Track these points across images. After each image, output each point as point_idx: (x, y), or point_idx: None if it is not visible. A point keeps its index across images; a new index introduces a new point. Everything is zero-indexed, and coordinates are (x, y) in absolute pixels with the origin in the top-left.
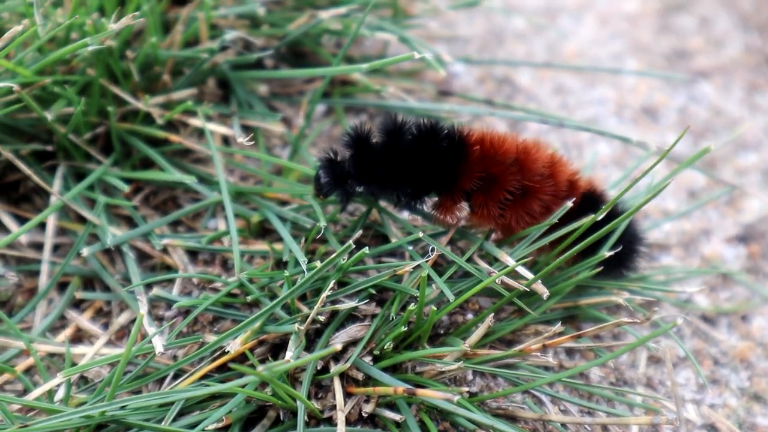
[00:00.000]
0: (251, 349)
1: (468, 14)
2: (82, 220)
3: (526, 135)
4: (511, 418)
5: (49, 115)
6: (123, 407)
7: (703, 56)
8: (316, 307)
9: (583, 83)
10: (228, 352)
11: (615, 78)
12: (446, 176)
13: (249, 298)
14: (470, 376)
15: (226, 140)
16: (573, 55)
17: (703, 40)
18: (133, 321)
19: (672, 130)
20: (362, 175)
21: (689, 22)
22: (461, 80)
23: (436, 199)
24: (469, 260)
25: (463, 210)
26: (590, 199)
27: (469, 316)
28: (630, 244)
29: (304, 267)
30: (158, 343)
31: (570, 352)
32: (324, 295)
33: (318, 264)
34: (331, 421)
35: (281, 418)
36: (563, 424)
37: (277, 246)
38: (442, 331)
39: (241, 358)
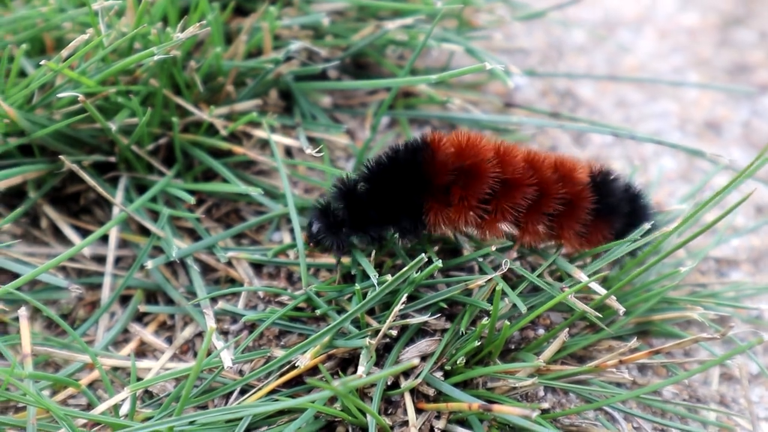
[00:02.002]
0: (323, 362)
1: (527, 27)
2: (143, 232)
3: (589, 148)
4: None
5: (112, 126)
6: (191, 422)
7: (764, 70)
8: (388, 321)
9: (645, 97)
10: (297, 366)
11: (677, 92)
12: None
13: (318, 312)
14: (542, 393)
15: (288, 152)
16: (633, 68)
17: (764, 54)
18: (197, 335)
19: (736, 144)
20: (356, 221)
21: (749, 36)
22: (523, 93)
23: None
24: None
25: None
26: (598, 183)
27: (540, 331)
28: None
29: (374, 281)
30: (226, 358)
31: (642, 369)
32: (396, 309)
33: (389, 278)
34: None
35: None
36: None
37: (344, 259)
38: (512, 347)
39: (309, 372)
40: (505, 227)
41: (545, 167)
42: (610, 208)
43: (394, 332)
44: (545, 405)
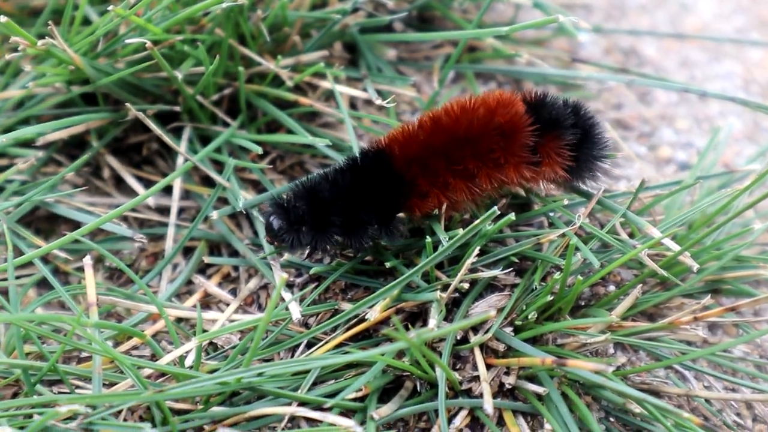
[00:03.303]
0: (389, 317)
1: None
2: (206, 183)
3: (655, 107)
4: (655, 393)
5: (179, 74)
6: (260, 374)
7: None
8: (460, 274)
9: (709, 57)
10: (366, 319)
11: (740, 53)
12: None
13: (387, 265)
14: (611, 350)
15: (353, 105)
16: (695, 28)
17: None
18: (262, 287)
19: None
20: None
21: None
22: (588, 50)
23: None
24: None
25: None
26: (535, 105)
27: (611, 288)
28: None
29: (443, 237)
30: (295, 309)
31: (712, 327)
32: (469, 261)
33: (460, 231)
34: (469, 393)
35: (418, 389)
36: (707, 400)
37: None
38: (582, 303)
39: (376, 327)
40: (475, 189)
41: (477, 111)
42: (551, 123)
43: (466, 285)
44: (625, 358)
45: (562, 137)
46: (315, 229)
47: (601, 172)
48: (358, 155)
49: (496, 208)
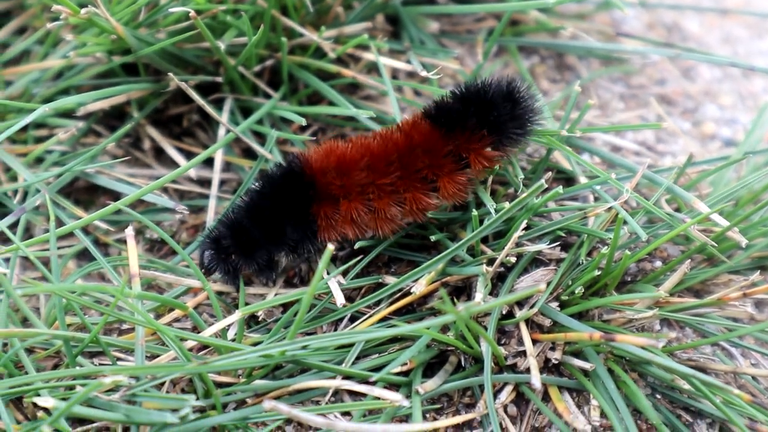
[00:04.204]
0: (434, 291)
1: None
2: (247, 155)
3: (698, 82)
4: (701, 370)
5: (221, 45)
6: (304, 347)
7: None
8: (507, 247)
9: (752, 33)
10: (411, 293)
11: None
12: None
13: (433, 239)
14: (657, 326)
15: (395, 77)
16: (738, 4)
17: None
18: (304, 260)
19: None
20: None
21: None
22: (630, 25)
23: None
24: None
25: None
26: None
27: (658, 263)
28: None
29: (491, 208)
30: (339, 295)
31: (759, 305)
32: (516, 235)
33: (507, 204)
34: (514, 368)
35: (462, 364)
36: (755, 378)
37: None
38: (629, 279)
39: (419, 301)
40: (395, 209)
41: (394, 136)
42: (458, 120)
43: (513, 259)
44: (672, 334)
45: (472, 126)
46: (243, 255)
47: (528, 120)
48: (270, 171)
49: (543, 180)
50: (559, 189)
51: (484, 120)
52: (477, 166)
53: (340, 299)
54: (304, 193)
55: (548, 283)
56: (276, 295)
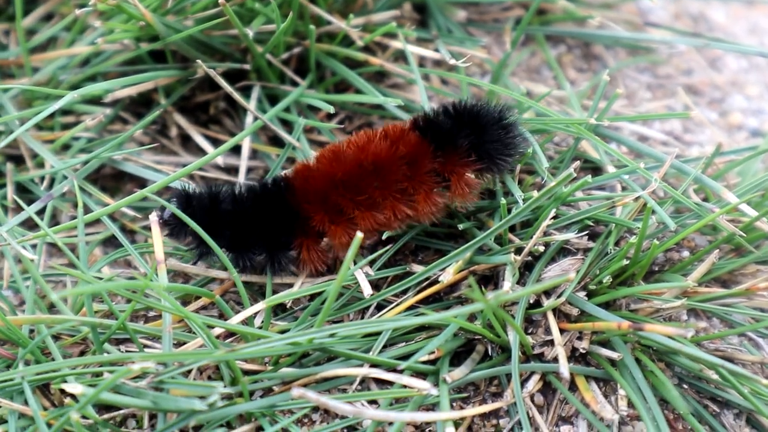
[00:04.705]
0: (462, 280)
1: None
2: (274, 142)
3: (725, 73)
4: (729, 360)
5: (249, 32)
6: (332, 335)
7: None
8: (535, 236)
9: None
10: (438, 281)
11: None
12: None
13: (461, 227)
14: (684, 316)
15: (422, 66)
16: None
17: None
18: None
19: None
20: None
21: None
22: (657, 15)
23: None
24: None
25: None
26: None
27: (685, 253)
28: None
29: (519, 198)
30: (366, 287)
31: None
32: (544, 223)
33: (535, 193)
34: (541, 358)
35: (489, 353)
36: None
37: None
38: (656, 269)
39: (447, 289)
40: (381, 217)
41: (381, 143)
42: (447, 139)
43: (542, 248)
44: (702, 324)
45: (462, 147)
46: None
47: (517, 150)
48: (260, 184)
49: (572, 169)
50: (588, 178)
51: (476, 143)
52: (457, 190)
53: (367, 290)
54: (288, 224)
55: (576, 273)
56: (302, 284)
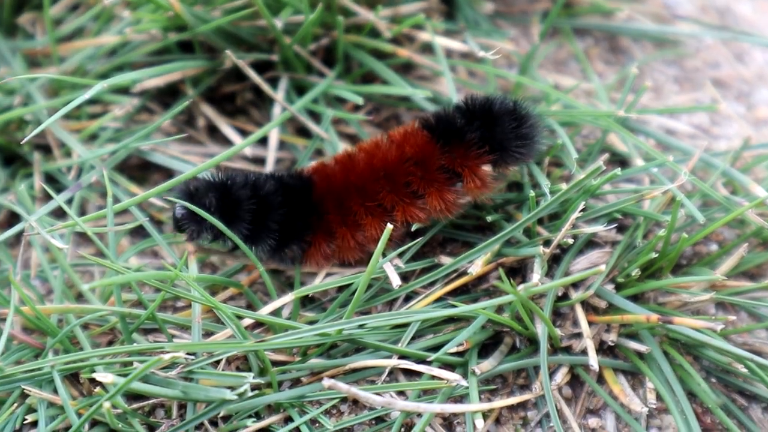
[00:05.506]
0: (490, 272)
1: None
2: (300, 133)
3: (752, 66)
4: (757, 354)
5: (278, 23)
6: (361, 326)
7: None
8: (564, 229)
9: None
10: (467, 273)
11: None
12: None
13: (489, 219)
14: (712, 310)
15: (449, 58)
16: None
17: None
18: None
19: None
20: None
21: None
22: (683, 9)
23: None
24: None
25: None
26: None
27: (713, 247)
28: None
29: (546, 189)
30: (395, 278)
31: None
32: (573, 216)
33: (564, 186)
34: (569, 350)
35: (517, 345)
36: None
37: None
38: (684, 262)
39: (474, 281)
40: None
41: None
42: (456, 135)
43: (571, 241)
44: (732, 317)
45: (472, 140)
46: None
47: (534, 140)
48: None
49: (601, 162)
50: (618, 170)
51: (486, 135)
52: (470, 183)
53: (396, 281)
54: (306, 217)
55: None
56: (327, 274)
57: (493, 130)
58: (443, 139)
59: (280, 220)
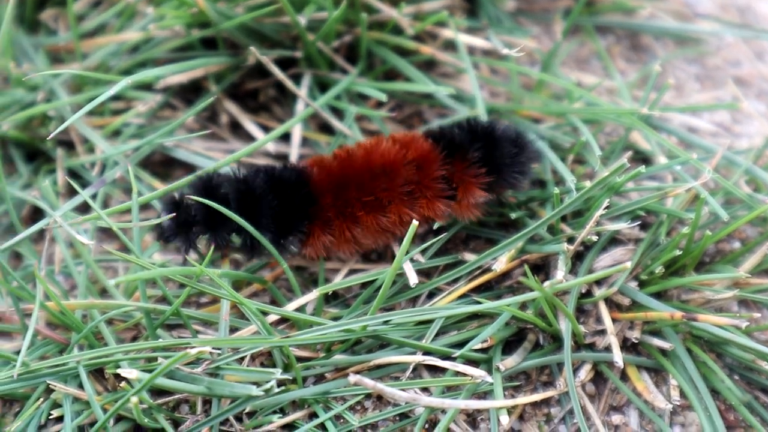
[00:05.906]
0: (513, 269)
1: None
2: (323, 130)
3: None
4: None
5: (302, 20)
6: (385, 322)
7: None
8: (588, 226)
9: None
10: (491, 270)
11: None
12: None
13: (513, 216)
14: (735, 307)
15: (471, 55)
16: None
17: None
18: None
19: None
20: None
21: None
22: (703, 7)
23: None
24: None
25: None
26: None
27: (736, 244)
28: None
29: (572, 185)
30: (412, 275)
31: None
32: (597, 213)
33: (588, 183)
34: (593, 347)
35: (541, 342)
36: None
37: None
38: (707, 260)
39: (498, 278)
40: (385, 220)
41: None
42: (459, 149)
43: (594, 238)
44: (756, 314)
45: (473, 158)
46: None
47: (529, 168)
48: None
49: (625, 159)
50: (642, 168)
51: (487, 156)
52: (463, 200)
53: (413, 279)
54: (303, 208)
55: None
56: (350, 270)
57: (494, 152)
58: (447, 150)
59: (275, 211)
